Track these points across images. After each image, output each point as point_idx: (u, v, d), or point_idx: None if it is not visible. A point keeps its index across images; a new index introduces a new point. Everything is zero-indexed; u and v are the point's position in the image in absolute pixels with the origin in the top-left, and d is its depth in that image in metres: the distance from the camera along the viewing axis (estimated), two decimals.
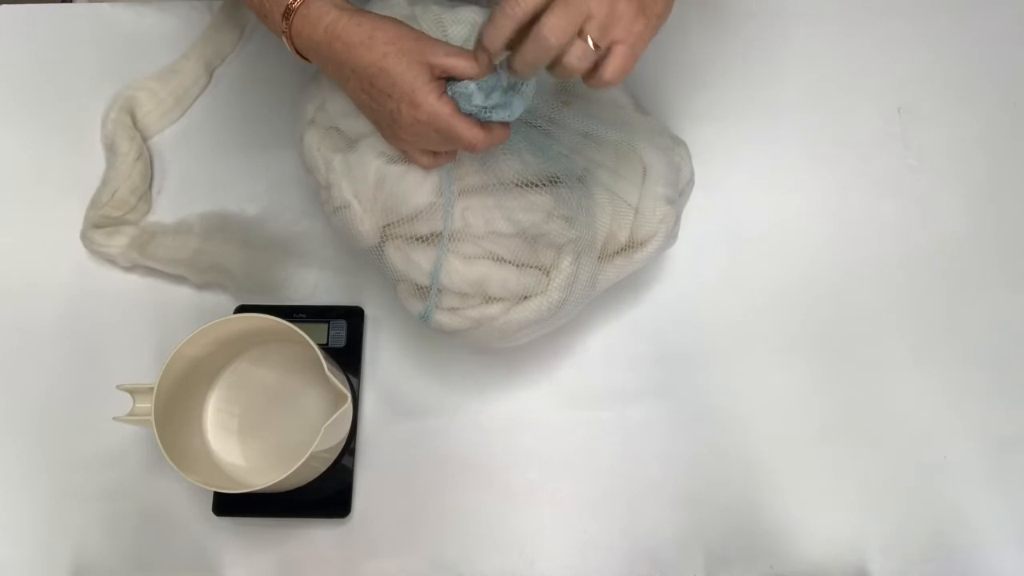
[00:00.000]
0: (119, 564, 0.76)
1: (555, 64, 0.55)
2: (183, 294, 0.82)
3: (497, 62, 0.60)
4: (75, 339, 0.81)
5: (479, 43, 0.58)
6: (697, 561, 0.75)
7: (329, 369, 0.69)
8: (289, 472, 0.66)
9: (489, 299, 0.69)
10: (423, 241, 0.69)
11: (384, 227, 0.69)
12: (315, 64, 0.67)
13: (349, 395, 0.68)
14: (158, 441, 0.67)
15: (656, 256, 0.73)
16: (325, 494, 0.76)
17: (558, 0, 0.53)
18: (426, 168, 0.67)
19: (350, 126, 0.71)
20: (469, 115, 0.62)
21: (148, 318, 0.81)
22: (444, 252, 0.68)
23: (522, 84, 0.61)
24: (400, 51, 0.61)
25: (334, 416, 0.67)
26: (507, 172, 0.68)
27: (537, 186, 0.68)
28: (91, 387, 0.79)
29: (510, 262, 0.68)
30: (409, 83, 0.61)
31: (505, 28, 0.55)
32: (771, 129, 0.86)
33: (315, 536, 0.76)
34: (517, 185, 0.68)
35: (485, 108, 0.61)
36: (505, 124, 0.64)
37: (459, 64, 0.60)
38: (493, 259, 0.68)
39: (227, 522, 0.76)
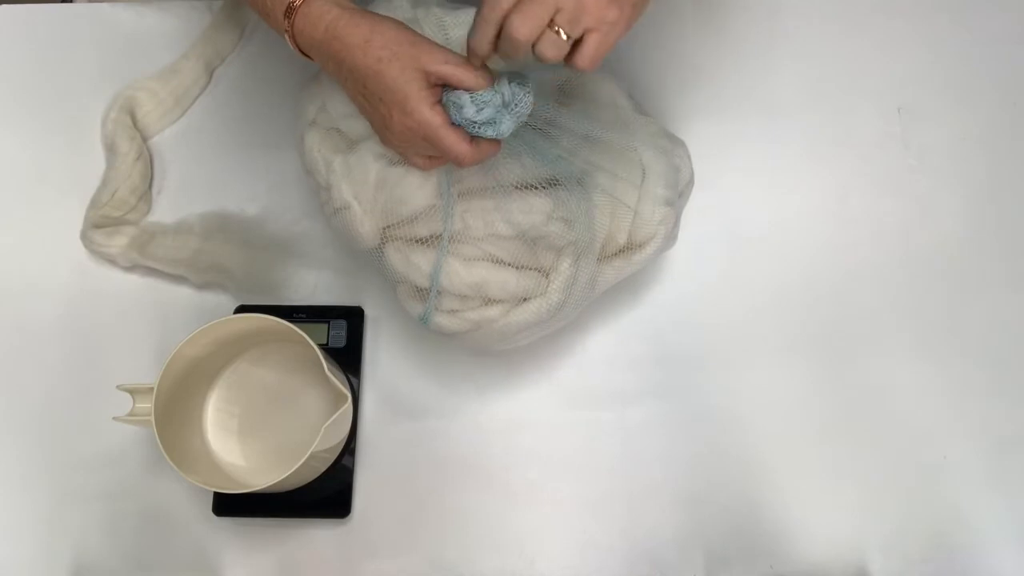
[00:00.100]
0: (119, 564, 0.76)
1: (533, 52, 0.57)
2: (183, 294, 0.82)
3: (496, 73, 0.61)
4: (75, 339, 0.81)
5: (469, 49, 0.60)
6: (697, 561, 0.75)
7: (329, 369, 0.69)
8: (289, 472, 0.66)
9: (488, 301, 0.69)
10: (423, 243, 0.69)
11: (384, 229, 0.69)
12: (317, 62, 0.67)
13: (349, 395, 0.68)
14: (158, 441, 0.67)
15: (655, 257, 0.72)
16: (325, 494, 0.76)
17: None
18: (422, 169, 0.67)
19: (351, 127, 0.71)
20: (459, 126, 0.62)
21: (148, 318, 0.82)
22: (444, 254, 0.68)
23: (516, 105, 0.61)
24: (395, 56, 0.61)
25: (334, 416, 0.67)
26: (507, 174, 0.68)
27: (536, 188, 0.68)
28: (91, 387, 0.79)
29: (509, 264, 0.69)
30: (402, 89, 0.61)
31: (486, 32, 0.58)
32: (771, 129, 0.86)
33: (315, 536, 0.76)
34: (517, 187, 0.68)
35: (475, 123, 0.61)
36: (494, 142, 0.64)
37: (456, 75, 0.60)
38: (492, 261, 0.68)
39: (227, 522, 0.76)
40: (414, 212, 0.68)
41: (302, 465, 0.67)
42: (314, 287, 0.82)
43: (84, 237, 0.82)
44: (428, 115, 0.61)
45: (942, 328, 0.81)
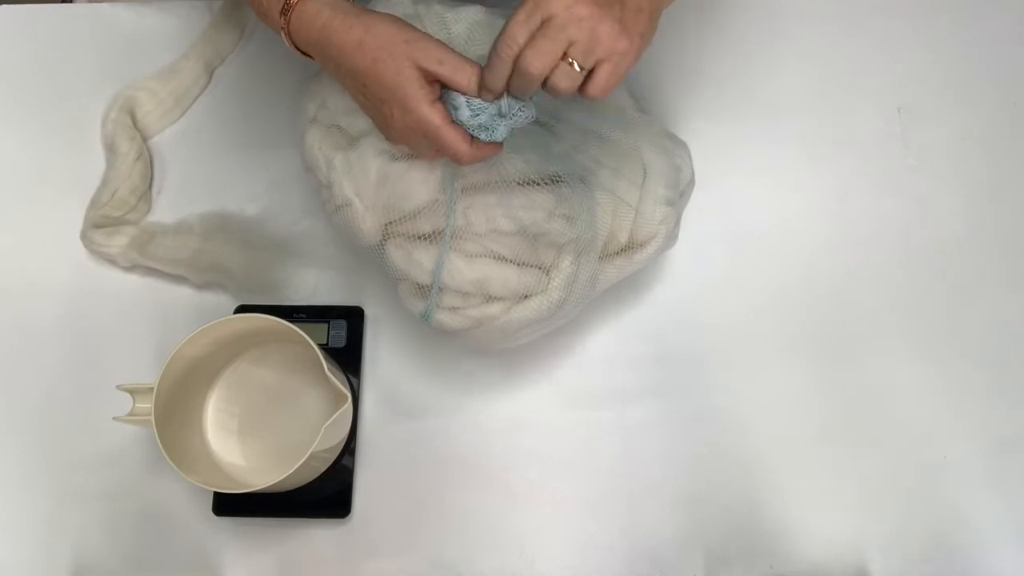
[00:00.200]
0: (119, 564, 0.76)
1: (545, 85, 0.58)
2: (183, 294, 0.82)
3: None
4: (75, 339, 0.81)
5: (482, 84, 0.60)
6: (697, 561, 0.75)
7: (329, 369, 0.69)
8: (289, 472, 0.66)
9: (490, 298, 0.69)
10: (425, 239, 0.69)
11: (386, 225, 0.69)
12: (316, 61, 0.67)
13: (349, 395, 0.68)
14: (158, 441, 0.67)
15: (656, 257, 0.72)
16: (325, 494, 0.76)
17: (538, 33, 0.56)
18: (431, 160, 0.67)
19: (351, 124, 0.70)
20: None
21: (148, 318, 0.81)
22: (446, 250, 0.68)
23: (513, 115, 0.61)
24: (391, 56, 0.61)
25: (334, 416, 0.67)
26: (510, 170, 0.68)
27: (539, 184, 0.68)
28: (91, 387, 0.79)
29: (511, 261, 0.68)
30: (401, 88, 0.61)
31: (502, 71, 0.58)
32: (771, 129, 0.86)
33: (315, 536, 0.76)
34: (519, 183, 0.68)
35: (469, 127, 0.62)
36: (496, 143, 0.64)
37: (451, 78, 0.61)
38: (494, 258, 0.68)
39: (227, 522, 0.76)
40: (417, 208, 0.68)
41: (302, 465, 0.67)
42: (314, 287, 0.82)
43: (84, 237, 0.82)
44: (427, 113, 0.61)
45: (942, 328, 0.81)
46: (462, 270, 0.68)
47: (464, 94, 0.61)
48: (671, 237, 0.73)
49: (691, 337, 0.81)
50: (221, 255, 0.81)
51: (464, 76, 0.60)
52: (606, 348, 0.80)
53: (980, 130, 0.86)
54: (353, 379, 0.79)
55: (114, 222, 0.82)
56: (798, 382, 0.79)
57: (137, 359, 0.80)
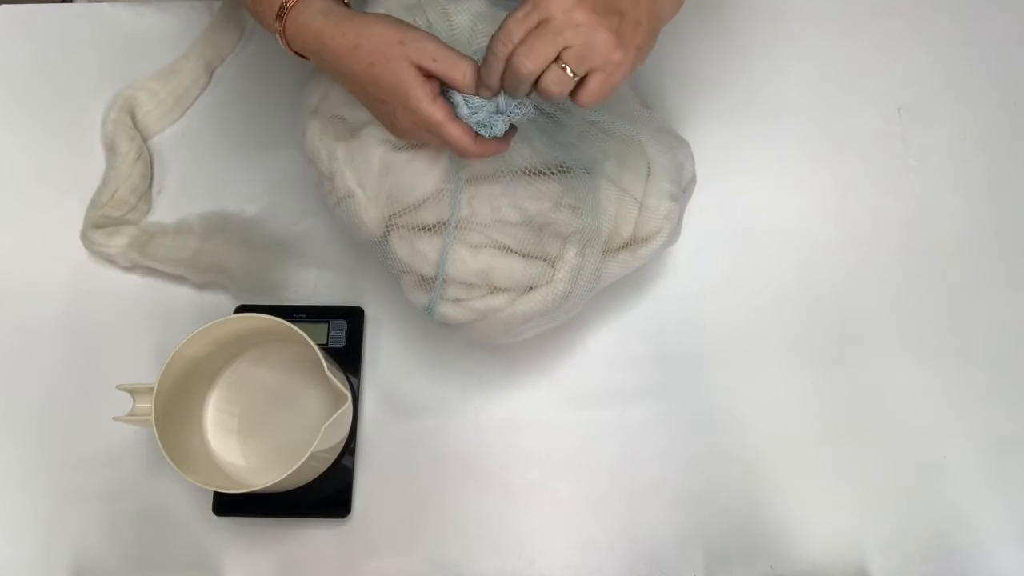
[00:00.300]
0: (119, 564, 0.76)
1: (537, 87, 0.58)
2: (183, 294, 0.82)
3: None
4: (75, 339, 0.81)
5: (478, 80, 0.60)
6: (697, 561, 0.75)
7: (329, 369, 0.69)
8: (289, 472, 0.66)
9: (494, 290, 0.68)
10: (429, 230, 0.68)
11: (389, 217, 0.69)
12: (313, 64, 0.67)
13: (349, 395, 0.68)
14: (158, 441, 0.67)
15: (659, 253, 0.72)
16: (325, 494, 0.76)
17: (533, 33, 0.56)
18: (437, 149, 0.67)
19: (354, 114, 0.70)
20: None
21: (148, 318, 0.81)
22: (451, 240, 0.67)
23: (511, 112, 0.61)
24: (386, 58, 0.61)
25: (334, 416, 0.67)
26: (516, 159, 0.68)
27: (545, 174, 0.68)
28: (91, 387, 0.79)
29: (516, 252, 0.68)
30: (401, 89, 0.61)
31: (496, 67, 0.58)
32: (771, 129, 0.86)
33: (315, 536, 0.76)
34: (525, 173, 0.68)
35: (468, 124, 0.62)
36: (504, 139, 0.64)
37: (446, 76, 0.61)
38: (499, 248, 0.68)
39: (227, 522, 0.76)
40: (420, 198, 0.67)
41: (302, 465, 0.67)
42: (314, 287, 0.82)
43: (84, 237, 0.82)
44: (430, 110, 0.61)
45: (942, 328, 0.81)
46: (466, 261, 0.67)
47: (460, 91, 0.61)
48: (674, 233, 0.73)
49: (691, 337, 0.81)
50: (221, 255, 0.81)
51: (459, 72, 0.60)
52: (606, 348, 0.80)
53: (980, 130, 0.86)
54: (353, 379, 0.79)
55: (114, 222, 0.82)
56: (798, 382, 0.79)
57: (137, 359, 0.80)
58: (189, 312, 0.81)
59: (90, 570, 0.76)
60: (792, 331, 0.81)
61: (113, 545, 0.76)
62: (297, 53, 0.66)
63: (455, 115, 0.62)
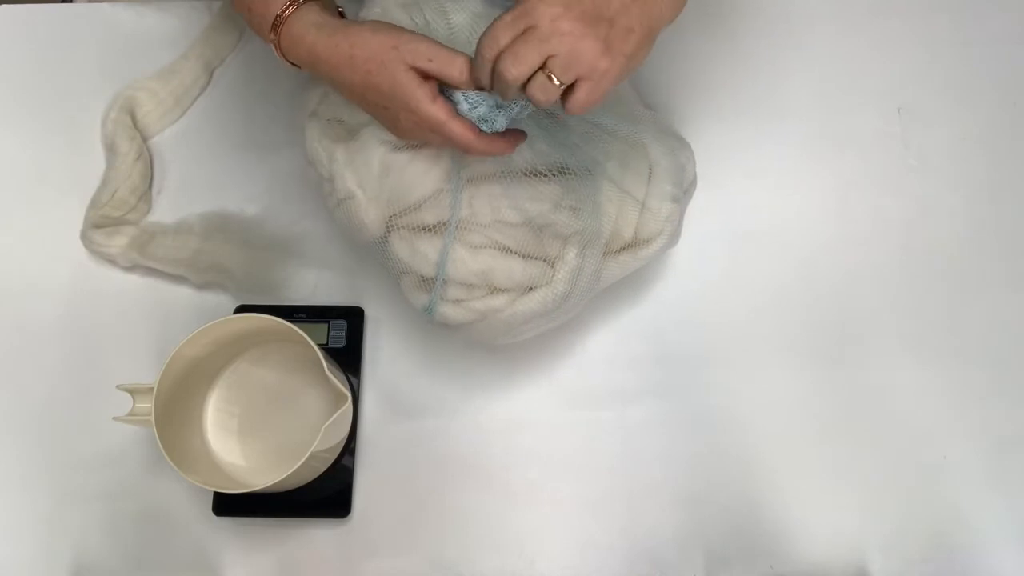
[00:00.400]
0: (119, 564, 0.76)
1: (523, 93, 0.58)
2: (183, 294, 0.82)
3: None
4: (75, 339, 0.81)
5: (472, 79, 0.60)
6: (697, 561, 0.75)
7: (329, 369, 0.69)
8: (289, 472, 0.66)
9: (494, 290, 0.68)
10: (429, 231, 0.68)
11: (389, 217, 0.69)
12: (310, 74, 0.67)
13: (349, 395, 0.68)
14: (158, 441, 0.67)
15: (660, 254, 0.72)
16: (325, 494, 0.76)
17: (519, 39, 0.56)
18: (440, 148, 0.67)
19: (353, 116, 0.70)
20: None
21: (148, 318, 0.81)
22: (451, 240, 0.67)
23: (511, 109, 0.61)
24: (382, 65, 0.61)
25: (334, 416, 0.67)
26: (517, 160, 0.68)
27: (545, 175, 0.68)
28: (91, 387, 0.79)
29: (516, 252, 0.68)
30: (401, 93, 0.61)
31: (484, 69, 0.58)
32: (771, 129, 0.86)
33: (315, 536, 0.76)
34: (526, 174, 0.68)
35: (470, 119, 0.62)
36: (510, 139, 0.64)
37: (441, 72, 0.61)
38: (499, 249, 0.68)
39: (227, 522, 0.76)
40: (421, 198, 0.67)
41: (302, 465, 0.67)
42: (314, 287, 0.82)
43: (84, 237, 0.82)
44: (431, 110, 0.61)
45: (942, 328, 0.81)
46: (466, 261, 0.67)
47: (458, 87, 0.61)
48: (675, 235, 0.73)
49: (691, 337, 0.81)
50: (221, 255, 0.81)
51: (454, 69, 0.60)
52: (606, 348, 0.80)
53: (980, 130, 0.86)
54: (353, 379, 0.79)
55: (114, 222, 0.82)
56: (798, 382, 0.79)
57: (137, 359, 0.80)
58: (189, 312, 0.81)
59: (90, 570, 0.76)
60: (792, 331, 0.81)
61: (113, 545, 0.76)
62: (293, 64, 0.66)
63: (456, 112, 0.62)
